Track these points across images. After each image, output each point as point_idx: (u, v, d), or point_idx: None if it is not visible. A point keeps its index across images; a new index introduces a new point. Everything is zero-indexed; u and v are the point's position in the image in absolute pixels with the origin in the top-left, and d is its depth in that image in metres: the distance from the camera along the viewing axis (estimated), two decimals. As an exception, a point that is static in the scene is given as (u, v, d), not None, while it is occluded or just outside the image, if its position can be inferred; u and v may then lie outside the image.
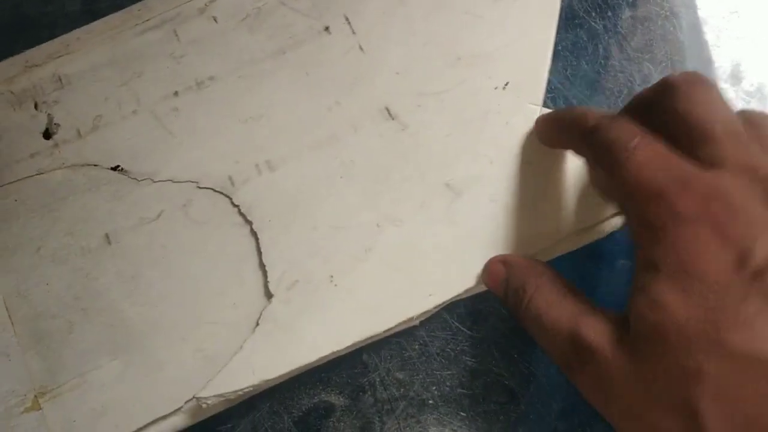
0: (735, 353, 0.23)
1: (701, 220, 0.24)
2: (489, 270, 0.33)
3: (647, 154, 0.26)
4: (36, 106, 0.39)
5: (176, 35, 0.40)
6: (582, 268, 0.36)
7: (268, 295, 0.35)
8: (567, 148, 0.34)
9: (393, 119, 0.38)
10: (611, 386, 0.26)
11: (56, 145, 0.39)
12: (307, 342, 0.34)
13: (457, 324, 0.36)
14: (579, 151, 0.31)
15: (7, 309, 0.36)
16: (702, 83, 0.27)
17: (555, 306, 0.29)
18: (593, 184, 0.34)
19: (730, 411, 0.23)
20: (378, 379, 0.35)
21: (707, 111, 0.26)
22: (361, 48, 0.39)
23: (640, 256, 0.26)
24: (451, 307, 0.36)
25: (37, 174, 0.38)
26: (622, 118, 0.29)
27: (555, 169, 0.36)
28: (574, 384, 0.28)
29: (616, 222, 0.36)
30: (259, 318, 0.35)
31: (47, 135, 0.39)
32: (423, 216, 0.36)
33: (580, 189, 0.36)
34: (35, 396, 0.35)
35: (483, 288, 0.35)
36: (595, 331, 0.27)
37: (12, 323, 0.36)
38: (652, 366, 0.25)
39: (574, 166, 0.36)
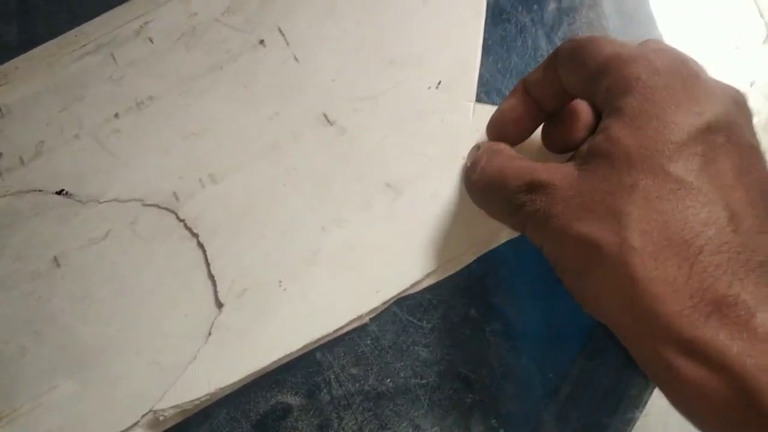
0: (670, 176, 0.26)
1: (674, 75, 0.27)
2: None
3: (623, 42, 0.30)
4: (-23, 138, 0.40)
5: (113, 58, 0.41)
6: (528, 251, 0.37)
7: (219, 305, 0.35)
8: (539, 101, 0.34)
9: (331, 125, 0.39)
10: (552, 205, 0.28)
11: (0, 174, 0.39)
12: (259, 347, 0.35)
13: (408, 316, 0.36)
14: (549, 88, 0.33)
15: (-42, 338, 0.36)
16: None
17: (514, 160, 0.31)
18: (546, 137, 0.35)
19: (651, 215, 0.25)
20: (333, 376, 0.36)
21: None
22: (296, 58, 0.40)
23: (606, 108, 0.29)
24: (400, 300, 0.36)
25: (-18, 203, 0.38)
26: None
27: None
28: (520, 230, 0.31)
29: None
30: (211, 327, 0.35)
31: (-10, 164, 0.39)
32: (366, 216, 0.37)
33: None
34: (-8, 422, 0.35)
35: (430, 282, 0.36)
36: (550, 169, 0.29)
37: (-36, 352, 0.36)
38: (593, 182, 0.27)
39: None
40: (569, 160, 0.30)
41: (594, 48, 0.30)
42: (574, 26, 0.41)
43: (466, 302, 0.36)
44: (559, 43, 0.39)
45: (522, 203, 0.30)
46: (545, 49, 0.40)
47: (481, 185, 0.32)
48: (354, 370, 0.36)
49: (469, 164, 0.34)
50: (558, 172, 0.29)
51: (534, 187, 0.29)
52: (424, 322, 0.36)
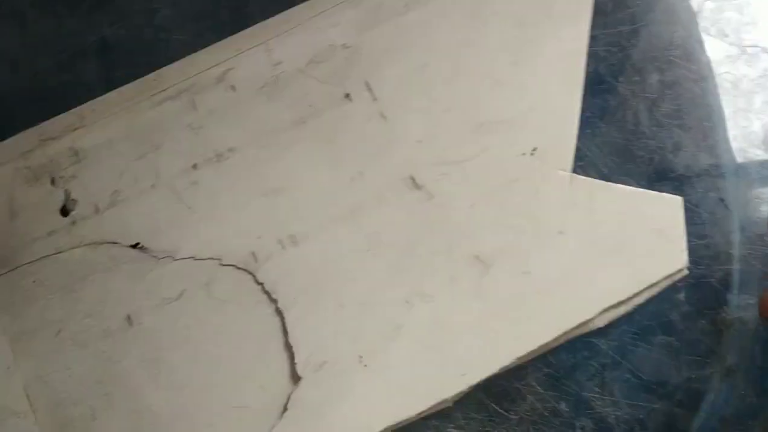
0: None
1: None
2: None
3: None
4: (53, 182, 0.39)
5: (194, 105, 0.40)
6: (622, 343, 0.35)
7: (296, 378, 0.34)
8: None
9: (418, 189, 0.37)
10: None
11: (74, 222, 0.38)
12: (337, 427, 0.33)
13: (494, 405, 0.34)
14: None
15: (28, 396, 0.35)
16: None
17: None
18: None
19: None
20: (414, 463, 0.34)
21: None
22: (382, 115, 0.39)
23: None
24: (487, 385, 0.34)
25: (55, 253, 0.37)
26: None
27: (589, 238, 0.35)
28: None
29: (649, 293, 0.34)
30: (287, 402, 0.34)
31: (65, 212, 0.38)
32: (453, 291, 0.35)
33: (616, 260, 0.35)
34: (58, 489, 0.33)
35: (519, 362, 0.34)
36: None
37: (33, 411, 0.35)
38: None
39: (608, 235, 0.35)
40: None
41: None
42: (678, 101, 0.38)
43: (556, 395, 0.34)
44: (661, 119, 0.37)
45: None
46: (646, 125, 0.38)
47: None
48: (438, 460, 0.34)
49: None
50: None
51: None
52: (511, 412, 0.34)
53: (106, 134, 0.40)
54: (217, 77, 0.40)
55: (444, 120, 0.38)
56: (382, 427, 0.33)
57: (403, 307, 0.35)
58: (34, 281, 0.37)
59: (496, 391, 0.35)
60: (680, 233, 0.35)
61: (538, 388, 0.35)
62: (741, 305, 0.35)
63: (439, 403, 0.33)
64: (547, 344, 0.34)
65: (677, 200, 0.36)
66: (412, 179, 0.37)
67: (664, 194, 0.36)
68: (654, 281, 0.35)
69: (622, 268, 0.35)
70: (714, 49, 0.40)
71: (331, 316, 0.35)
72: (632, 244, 0.35)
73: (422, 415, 0.34)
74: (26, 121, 0.40)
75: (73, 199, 0.38)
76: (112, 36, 0.44)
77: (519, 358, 0.34)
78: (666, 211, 0.36)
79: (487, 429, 0.34)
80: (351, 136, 0.38)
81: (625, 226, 0.35)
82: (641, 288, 0.34)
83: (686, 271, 0.35)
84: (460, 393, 0.34)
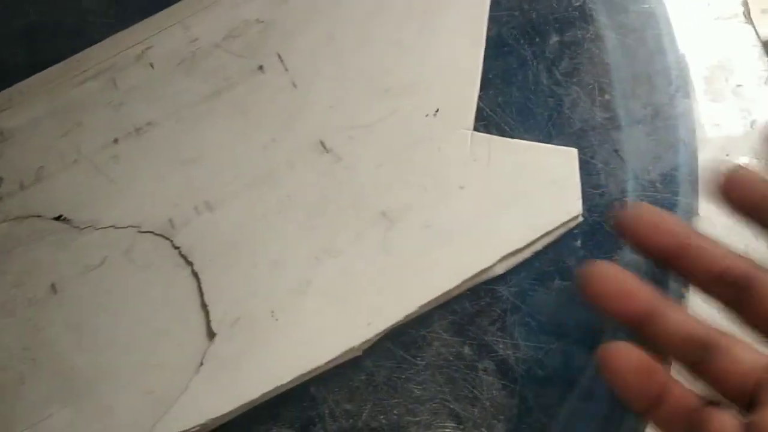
0: None
1: None
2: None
3: None
4: (-21, 162, 0.40)
5: (114, 83, 0.41)
6: (522, 288, 0.36)
7: (211, 335, 0.36)
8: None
9: (327, 152, 0.39)
10: None
11: (0, 198, 0.39)
12: (251, 378, 0.35)
13: (402, 352, 0.36)
14: None
15: (-44, 364, 0.36)
16: None
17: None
18: None
19: None
20: (327, 411, 0.36)
21: None
22: (294, 84, 0.40)
23: None
24: (394, 334, 0.36)
25: (-18, 228, 0.39)
26: None
27: (488, 191, 0.37)
28: None
29: (546, 240, 0.36)
30: (203, 357, 0.35)
31: (-9, 189, 0.40)
32: (360, 246, 0.37)
33: (514, 210, 0.37)
34: (-13, 449, 0.35)
35: (422, 311, 0.36)
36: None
37: (-38, 378, 0.36)
38: None
39: (506, 187, 0.37)
40: None
41: None
42: (576, 60, 0.40)
43: (460, 340, 0.36)
44: (560, 78, 0.39)
45: None
46: (546, 84, 0.40)
47: None
48: (348, 406, 0.35)
49: None
50: None
51: None
52: (418, 359, 0.36)
53: (31, 114, 0.41)
54: (136, 56, 0.42)
55: (352, 86, 0.40)
56: (293, 376, 0.35)
57: (312, 264, 0.37)
58: (-38, 255, 0.38)
59: (404, 340, 0.36)
60: (575, 182, 0.37)
61: (443, 334, 0.36)
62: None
63: (348, 352, 0.35)
64: (449, 292, 0.36)
65: (572, 151, 0.37)
66: (322, 143, 0.39)
67: (560, 147, 0.38)
68: (551, 228, 0.36)
69: (519, 218, 0.37)
70: (610, 10, 0.41)
71: (244, 276, 0.37)
72: (529, 195, 0.37)
73: (333, 364, 0.35)
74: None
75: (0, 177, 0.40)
76: (37, 21, 0.45)
77: (422, 306, 0.36)
78: (561, 162, 0.37)
79: (395, 375, 0.36)
80: (264, 105, 0.40)
81: (522, 177, 0.37)
82: (538, 235, 0.36)
83: (581, 218, 0.37)
84: (368, 341, 0.35)
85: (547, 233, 0.36)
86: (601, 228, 0.37)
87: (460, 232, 0.36)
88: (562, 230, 0.37)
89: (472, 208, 0.37)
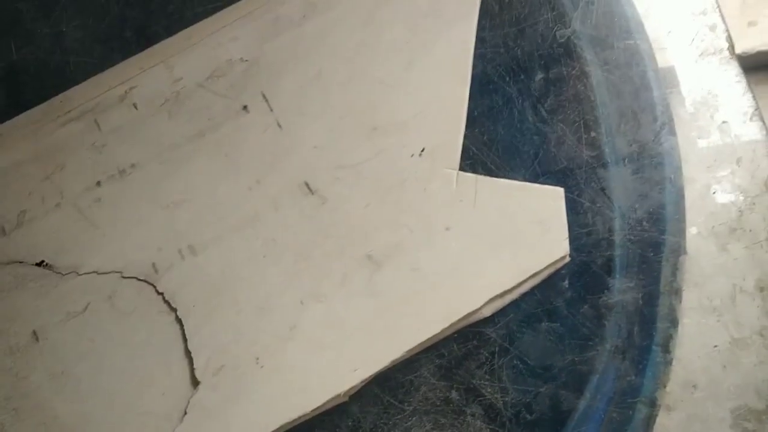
0: None
1: None
2: None
3: None
4: (-39, 206, 0.40)
5: (97, 124, 0.41)
6: (509, 330, 0.36)
7: (195, 383, 0.35)
8: None
9: (313, 194, 0.38)
10: None
11: (-18, 244, 0.39)
12: (236, 427, 0.34)
13: (389, 397, 0.36)
14: None
15: (-64, 416, 0.36)
16: None
17: None
18: None
19: None
20: (313, 459, 0.35)
21: None
22: (279, 124, 0.40)
23: None
24: (381, 379, 0.36)
25: (-37, 275, 0.38)
26: None
27: (474, 233, 0.37)
28: None
29: (533, 281, 0.36)
30: (187, 406, 0.35)
31: (-28, 234, 0.39)
32: (345, 290, 0.36)
33: (501, 251, 0.36)
34: (-33, 504, 0.34)
35: (409, 355, 0.35)
36: None
37: (-58, 430, 0.36)
38: None
39: (492, 228, 0.36)
40: None
41: None
42: (561, 97, 0.40)
43: (447, 384, 0.35)
44: (545, 116, 0.39)
45: None
46: (531, 121, 0.40)
47: None
48: (334, 453, 0.35)
49: None
50: None
51: None
52: (405, 404, 0.35)
53: (13, 157, 0.41)
54: (119, 96, 0.42)
55: (339, 125, 0.40)
56: (279, 425, 0.34)
57: (297, 309, 0.36)
58: (-58, 303, 0.38)
59: (391, 384, 0.36)
60: (562, 222, 0.37)
61: (431, 378, 0.36)
62: (622, 289, 0.36)
63: (334, 399, 0.35)
64: (436, 336, 0.35)
65: (558, 191, 0.37)
66: (307, 184, 0.39)
67: (546, 186, 0.38)
68: (538, 270, 0.36)
69: (506, 259, 0.36)
70: (595, 46, 0.41)
71: (228, 322, 0.36)
72: (516, 235, 0.37)
73: (318, 411, 0.35)
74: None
75: (-20, 222, 0.39)
76: (20, 60, 0.45)
77: (409, 351, 0.35)
78: (548, 202, 0.37)
79: (382, 421, 0.35)
80: (248, 146, 0.40)
81: (508, 218, 0.37)
82: (526, 277, 0.36)
83: (568, 259, 0.37)
84: (354, 387, 0.35)
85: (535, 274, 0.36)
86: (588, 268, 0.37)
87: (447, 274, 0.36)
88: (550, 271, 0.36)
89: (459, 250, 0.36)
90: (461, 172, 0.38)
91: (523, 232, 0.37)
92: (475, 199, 0.37)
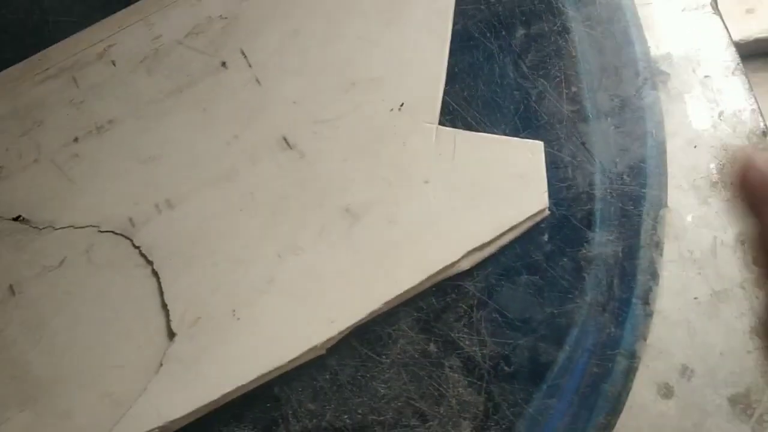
0: None
1: None
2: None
3: None
4: (-63, 162, 0.39)
5: (75, 82, 0.41)
6: (488, 284, 0.36)
7: (171, 335, 0.35)
8: None
9: (291, 148, 0.38)
10: None
11: (-41, 200, 0.39)
12: (211, 379, 0.34)
13: (366, 350, 0.35)
14: None
15: None
16: None
17: None
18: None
19: None
20: (290, 412, 0.35)
21: None
22: (257, 81, 0.40)
23: None
24: (359, 332, 0.35)
25: (-61, 230, 0.38)
26: None
27: (453, 186, 0.36)
28: None
29: (513, 234, 0.36)
30: (163, 358, 0.34)
31: (-51, 190, 0.39)
32: (323, 243, 0.36)
33: (480, 204, 0.36)
34: (-59, 455, 0.34)
35: (387, 308, 0.35)
36: None
37: None
38: None
39: (471, 181, 0.36)
40: None
41: None
42: (542, 53, 0.40)
43: (426, 337, 0.35)
44: (527, 71, 0.39)
45: None
46: (512, 77, 0.39)
47: None
48: (311, 406, 0.35)
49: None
50: None
51: None
52: (383, 356, 0.35)
53: (-9, 114, 0.40)
54: (98, 54, 0.41)
55: (317, 81, 0.40)
56: (255, 376, 0.34)
57: (275, 261, 0.36)
58: None
59: (369, 337, 0.36)
60: (541, 176, 0.36)
61: (409, 331, 0.36)
62: (601, 242, 0.36)
63: (311, 350, 0.35)
64: (414, 288, 0.35)
65: (538, 144, 0.37)
66: (285, 139, 0.38)
67: (526, 140, 0.37)
68: (516, 222, 0.36)
69: (485, 212, 0.36)
70: (577, 2, 0.41)
71: (205, 275, 0.36)
72: (495, 189, 0.36)
73: (296, 363, 0.35)
74: None
75: (-42, 178, 0.39)
76: (0, 19, 0.44)
77: (387, 303, 0.35)
78: (527, 155, 0.37)
79: (360, 373, 0.35)
80: (226, 102, 0.39)
81: (488, 171, 0.37)
82: (504, 230, 0.36)
83: (548, 212, 0.36)
84: (331, 339, 0.35)
85: (514, 227, 0.36)
86: (568, 221, 0.37)
87: (425, 227, 0.36)
88: (529, 224, 0.36)
89: (438, 203, 0.36)
90: (440, 127, 0.38)
91: (502, 185, 0.36)
92: (454, 153, 0.37)
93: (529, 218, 0.36)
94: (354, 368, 0.35)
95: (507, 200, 0.36)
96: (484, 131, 0.38)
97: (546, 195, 0.36)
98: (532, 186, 0.36)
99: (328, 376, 0.35)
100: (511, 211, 0.36)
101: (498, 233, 0.36)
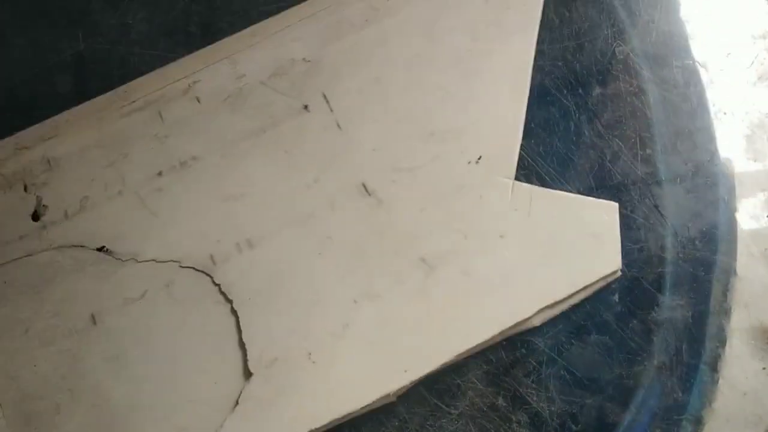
0: None
1: None
2: None
3: None
4: (25, 188, 0.41)
5: (161, 116, 0.42)
6: (558, 341, 0.36)
7: (248, 374, 0.36)
8: None
9: (369, 195, 0.39)
10: None
11: (44, 226, 0.40)
12: (285, 421, 0.35)
13: (436, 400, 0.36)
14: None
15: (-5, 391, 0.37)
16: None
17: None
18: None
19: None
20: (359, 456, 0.36)
21: None
22: (338, 125, 0.41)
23: None
24: (429, 382, 0.36)
25: (25, 256, 0.39)
26: None
27: (528, 242, 0.37)
28: None
29: (584, 294, 0.36)
30: (239, 397, 0.35)
31: (36, 217, 0.40)
32: (399, 291, 0.37)
33: (554, 262, 0.37)
34: (22, 478, 0.35)
35: (458, 359, 0.36)
36: None
37: (1, 405, 0.37)
38: None
39: (546, 238, 0.37)
40: None
41: None
42: (618, 113, 0.40)
43: (494, 390, 0.36)
44: (602, 130, 0.39)
45: None
46: (588, 136, 0.40)
47: None
48: (380, 452, 0.36)
49: None
50: None
51: None
52: (452, 407, 0.36)
53: (78, 143, 0.42)
54: (183, 89, 0.42)
55: (397, 129, 0.40)
56: (327, 420, 0.35)
57: (351, 307, 0.37)
58: (5, 282, 0.39)
59: (438, 387, 0.36)
60: (615, 237, 0.37)
61: (478, 384, 0.36)
62: (671, 306, 0.37)
63: (383, 398, 0.35)
64: (486, 342, 0.36)
65: (613, 206, 0.38)
66: (364, 186, 0.39)
67: (601, 200, 0.38)
68: (589, 282, 0.36)
69: (559, 270, 0.37)
70: (653, 64, 0.42)
71: (282, 316, 0.37)
72: (569, 247, 0.37)
73: (367, 409, 0.35)
74: (1, 131, 0.42)
75: (44, 205, 0.40)
76: (87, 50, 0.46)
77: (459, 355, 0.36)
78: (602, 216, 0.38)
79: (428, 422, 0.36)
80: (308, 145, 0.40)
81: (563, 230, 0.37)
82: (576, 289, 0.36)
83: (620, 273, 0.37)
84: (403, 388, 0.35)
85: (586, 287, 0.36)
86: (639, 283, 0.37)
87: (499, 281, 0.37)
88: (601, 284, 0.37)
89: (512, 258, 0.37)
90: (517, 182, 0.38)
91: (576, 244, 0.37)
92: (530, 209, 0.38)
93: (601, 279, 0.37)
94: (423, 417, 0.36)
95: (580, 259, 0.37)
96: (558, 187, 0.39)
97: (619, 257, 0.37)
98: (606, 247, 0.37)
99: (396, 423, 0.36)
100: (584, 270, 0.37)
101: (570, 292, 0.36)
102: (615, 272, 0.37)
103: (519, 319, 0.36)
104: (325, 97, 0.41)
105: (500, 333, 0.36)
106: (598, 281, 0.37)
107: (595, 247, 0.37)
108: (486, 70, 0.41)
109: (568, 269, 0.37)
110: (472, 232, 0.38)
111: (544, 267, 0.37)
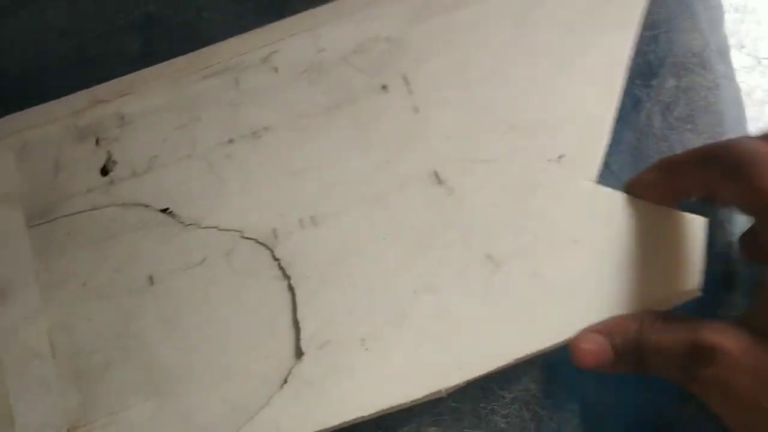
0: None
1: None
2: (584, 349, 0.33)
3: None
4: (97, 142, 0.41)
5: (237, 83, 0.41)
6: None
7: (299, 353, 0.35)
8: (684, 190, 0.34)
9: (440, 184, 0.38)
10: (735, 383, 0.28)
11: (112, 182, 0.40)
12: (333, 404, 0.34)
13: (490, 383, 0.36)
14: (700, 184, 0.32)
15: (50, 341, 0.37)
16: None
17: (670, 326, 0.31)
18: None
19: None
20: (409, 435, 0.35)
21: None
22: (416, 109, 0.39)
23: None
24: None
25: (90, 209, 0.39)
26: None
27: (604, 250, 0.35)
28: (691, 391, 0.30)
29: (657, 309, 0.34)
30: (288, 375, 0.35)
31: (104, 171, 0.40)
32: (461, 286, 0.35)
33: (628, 274, 0.35)
34: (67, 430, 0.35)
35: (516, 363, 0.34)
36: (716, 333, 0.29)
37: (53, 356, 0.37)
38: None
39: (624, 249, 0.35)
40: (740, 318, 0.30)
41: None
42: (691, 107, 0.39)
43: (550, 377, 0.36)
44: (673, 122, 0.38)
45: (690, 372, 0.30)
46: (659, 128, 0.39)
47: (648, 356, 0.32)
48: (431, 430, 0.35)
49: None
50: (726, 336, 0.29)
51: (701, 351, 0.29)
52: (506, 390, 0.36)
53: (152, 103, 0.41)
54: (262, 58, 0.42)
55: (476, 119, 0.39)
56: (374, 410, 0.34)
57: (410, 296, 0.36)
58: (68, 234, 0.39)
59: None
60: (698, 254, 0.35)
61: (533, 371, 0.36)
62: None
63: (434, 393, 0.34)
64: (546, 349, 0.34)
65: (700, 221, 0.35)
66: (436, 174, 0.38)
67: (688, 214, 0.36)
68: (662, 299, 0.34)
69: (633, 282, 0.35)
70: (729, 59, 0.40)
71: (339, 298, 0.36)
72: (647, 260, 0.35)
73: (415, 403, 0.34)
74: (75, 85, 0.42)
75: (113, 161, 0.40)
76: (155, 12, 0.45)
77: (517, 359, 0.34)
78: (687, 230, 0.35)
79: (480, 405, 0.36)
80: (383, 125, 0.39)
81: (643, 241, 0.35)
82: (651, 304, 0.34)
83: (699, 294, 0.35)
84: (455, 386, 0.34)
85: (660, 302, 0.34)
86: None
87: (567, 288, 0.35)
88: (676, 302, 0.35)
89: (585, 265, 0.35)
90: (599, 186, 0.37)
91: (655, 258, 0.35)
92: (610, 215, 0.36)
93: (678, 296, 0.34)
94: (476, 398, 0.36)
95: (658, 274, 0.35)
96: (625, 178, 0.37)
97: (700, 276, 0.34)
98: (688, 264, 0.35)
99: (449, 403, 0.36)
100: (660, 285, 0.35)
101: (643, 305, 0.34)
102: (693, 291, 0.34)
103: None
104: (405, 79, 0.40)
105: (565, 340, 0.34)
106: (672, 299, 0.34)
107: (675, 263, 0.35)
108: (578, 66, 0.39)
109: (643, 284, 0.35)
110: (544, 233, 0.36)
111: (619, 278, 0.35)
